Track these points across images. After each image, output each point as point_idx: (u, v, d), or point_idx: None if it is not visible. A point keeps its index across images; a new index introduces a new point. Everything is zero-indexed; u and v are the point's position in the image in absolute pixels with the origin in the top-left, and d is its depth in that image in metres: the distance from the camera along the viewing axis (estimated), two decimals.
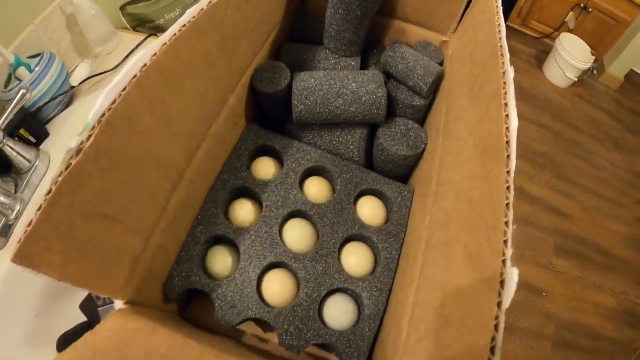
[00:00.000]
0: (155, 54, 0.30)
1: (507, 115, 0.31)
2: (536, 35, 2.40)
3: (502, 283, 0.24)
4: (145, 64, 0.29)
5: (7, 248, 0.55)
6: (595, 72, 2.28)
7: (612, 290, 1.56)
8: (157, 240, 0.36)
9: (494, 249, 0.25)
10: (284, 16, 0.55)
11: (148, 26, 0.85)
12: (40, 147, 0.64)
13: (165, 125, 0.33)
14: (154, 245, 0.36)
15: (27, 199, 0.58)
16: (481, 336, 0.23)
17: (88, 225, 0.27)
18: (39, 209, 0.23)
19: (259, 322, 0.45)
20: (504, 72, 0.34)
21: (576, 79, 2.09)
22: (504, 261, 0.24)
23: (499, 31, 0.39)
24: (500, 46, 0.37)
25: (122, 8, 0.83)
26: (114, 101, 0.27)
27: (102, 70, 0.74)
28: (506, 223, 0.25)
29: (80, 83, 0.72)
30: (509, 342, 1.36)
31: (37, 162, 0.61)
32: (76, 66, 0.77)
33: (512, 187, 0.27)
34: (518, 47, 2.33)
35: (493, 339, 0.22)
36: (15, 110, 0.56)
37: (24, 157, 0.59)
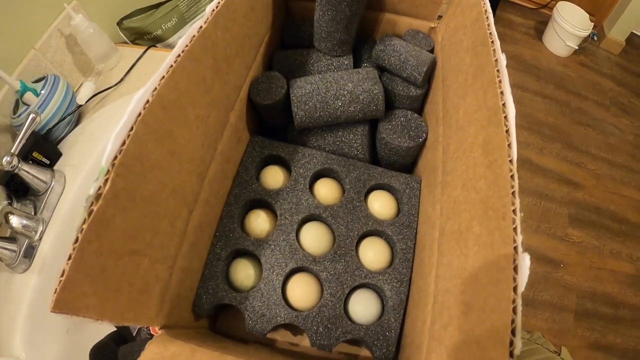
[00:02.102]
0: (156, 88, 0.31)
1: (504, 104, 0.31)
2: (533, 7, 2.37)
3: (515, 269, 0.25)
4: (148, 101, 0.30)
5: (32, 269, 0.57)
6: (595, 38, 2.26)
7: (629, 256, 1.56)
8: (182, 264, 0.38)
9: (505, 236, 0.26)
10: (272, 25, 0.56)
11: (146, 38, 0.87)
12: (55, 167, 0.66)
13: (175, 155, 0.34)
14: (179, 269, 0.38)
15: (47, 219, 0.60)
16: (501, 319, 0.24)
17: (118, 264, 0.29)
18: (69, 258, 0.25)
19: (288, 326, 0.47)
20: (496, 60, 0.34)
21: (577, 47, 2.08)
22: (515, 248, 0.25)
23: (487, 17, 0.39)
24: (490, 33, 0.37)
25: (119, 23, 0.85)
26: (124, 143, 0.28)
27: (107, 87, 0.76)
28: (514, 211, 0.26)
29: (87, 101, 0.74)
30: (531, 317, 1.37)
31: (53, 183, 0.62)
32: (81, 84, 0.78)
33: (515, 175, 0.27)
34: (516, 20, 2.31)
35: (513, 321, 0.23)
36: (27, 135, 0.58)
37: (40, 179, 0.60)
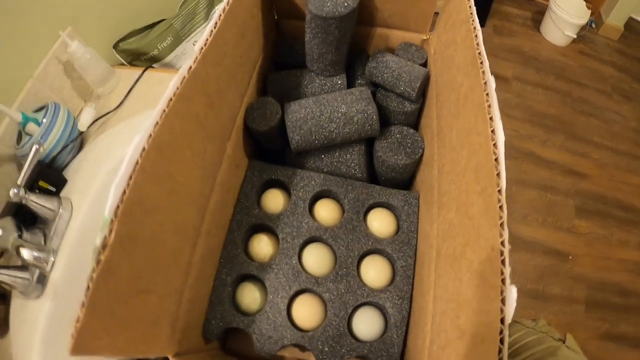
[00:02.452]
0: (151, 135, 0.32)
1: (493, 131, 0.31)
2: None
3: (503, 300, 0.25)
4: (144, 148, 0.31)
5: (45, 295, 0.59)
6: (593, 25, 2.23)
7: (638, 245, 1.55)
8: (189, 295, 0.39)
9: (494, 267, 0.27)
10: (263, 48, 0.56)
11: (143, 59, 0.88)
12: (61, 194, 0.67)
13: (174, 194, 0.35)
14: (187, 300, 0.39)
15: (57, 247, 0.61)
16: (490, 349, 0.25)
17: (128, 305, 0.30)
18: (82, 305, 0.26)
19: (295, 344, 0.48)
20: (485, 83, 0.35)
21: (575, 36, 2.06)
22: (503, 280, 0.26)
23: (476, 36, 0.39)
24: (479, 53, 0.38)
25: (115, 46, 0.86)
26: (124, 192, 0.29)
27: (107, 111, 0.77)
28: (502, 243, 0.27)
29: (88, 127, 0.75)
30: (541, 310, 1.37)
31: (60, 210, 0.63)
32: (81, 110, 0.79)
33: (504, 205, 0.28)
34: (512, 12, 2.29)
35: (500, 351, 0.24)
36: (31, 166, 0.59)
37: (47, 207, 0.61)
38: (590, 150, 1.76)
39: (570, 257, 1.48)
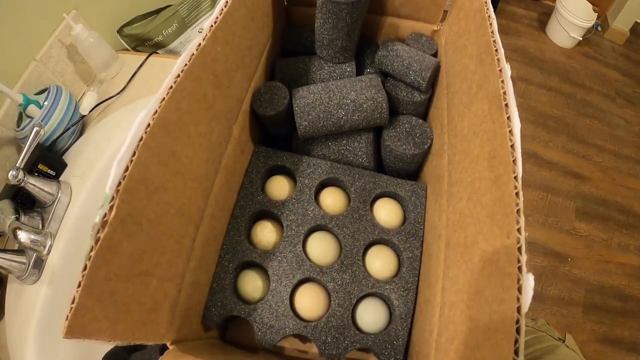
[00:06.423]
0: (157, 111, 0.31)
1: (508, 117, 0.31)
2: None
3: (519, 289, 0.25)
4: (149, 124, 0.30)
5: (42, 280, 0.58)
6: (599, 28, 2.23)
7: (637, 249, 1.56)
8: (190, 280, 0.38)
9: (510, 255, 0.26)
10: (272, 33, 0.55)
11: (148, 44, 0.87)
12: (60, 178, 0.66)
13: (179, 174, 0.34)
14: (188, 285, 0.38)
15: (54, 231, 0.61)
16: (505, 339, 0.24)
17: (127, 287, 0.29)
18: (78, 286, 0.25)
19: (297, 334, 0.47)
20: (500, 70, 0.34)
21: (581, 38, 2.05)
22: (519, 268, 0.25)
23: (490, 24, 0.39)
24: (494, 41, 0.37)
25: (119, 31, 0.85)
26: (127, 168, 0.28)
27: (109, 95, 0.76)
28: (518, 230, 0.26)
29: (90, 111, 0.74)
30: (540, 311, 1.37)
31: (59, 194, 0.63)
32: (83, 94, 0.79)
33: (521, 192, 0.27)
34: (519, 12, 2.29)
35: (516, 341, 0.23)
36: (31, 149, 0.58)
37: (46, 191, 0.61)
38: (592, 153, 1.76)
39: (570, 259, 1.48)
